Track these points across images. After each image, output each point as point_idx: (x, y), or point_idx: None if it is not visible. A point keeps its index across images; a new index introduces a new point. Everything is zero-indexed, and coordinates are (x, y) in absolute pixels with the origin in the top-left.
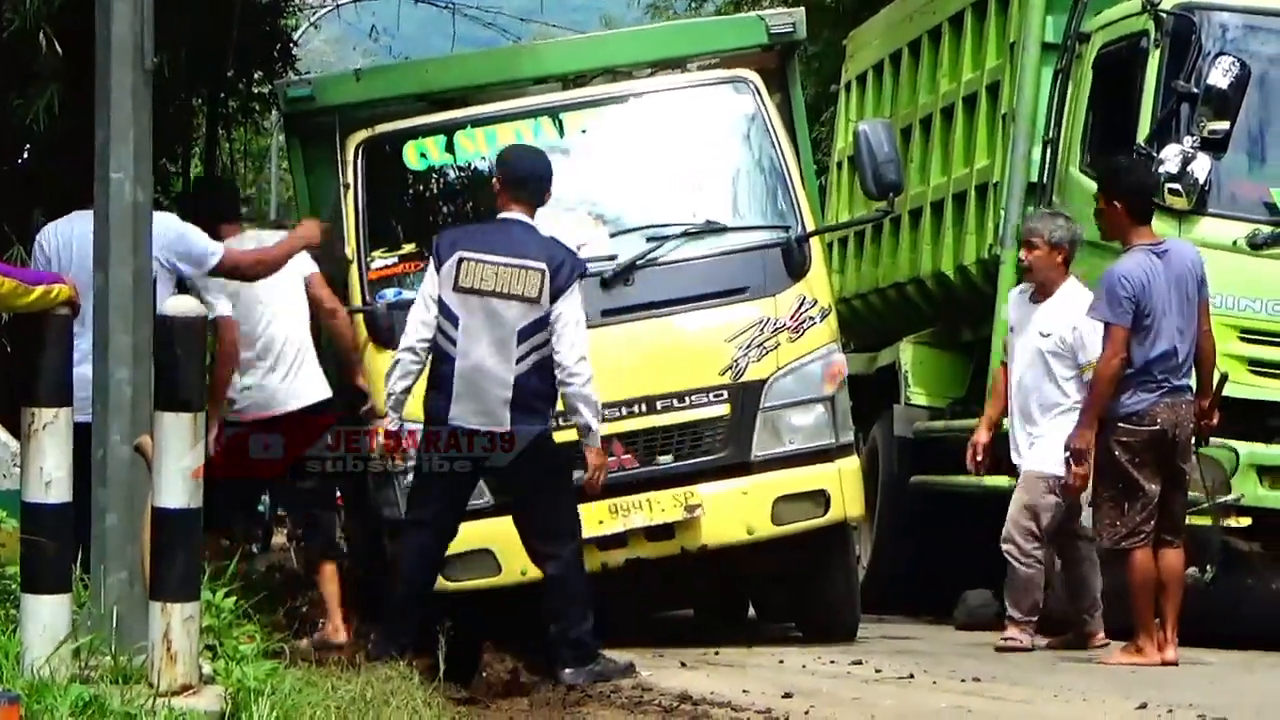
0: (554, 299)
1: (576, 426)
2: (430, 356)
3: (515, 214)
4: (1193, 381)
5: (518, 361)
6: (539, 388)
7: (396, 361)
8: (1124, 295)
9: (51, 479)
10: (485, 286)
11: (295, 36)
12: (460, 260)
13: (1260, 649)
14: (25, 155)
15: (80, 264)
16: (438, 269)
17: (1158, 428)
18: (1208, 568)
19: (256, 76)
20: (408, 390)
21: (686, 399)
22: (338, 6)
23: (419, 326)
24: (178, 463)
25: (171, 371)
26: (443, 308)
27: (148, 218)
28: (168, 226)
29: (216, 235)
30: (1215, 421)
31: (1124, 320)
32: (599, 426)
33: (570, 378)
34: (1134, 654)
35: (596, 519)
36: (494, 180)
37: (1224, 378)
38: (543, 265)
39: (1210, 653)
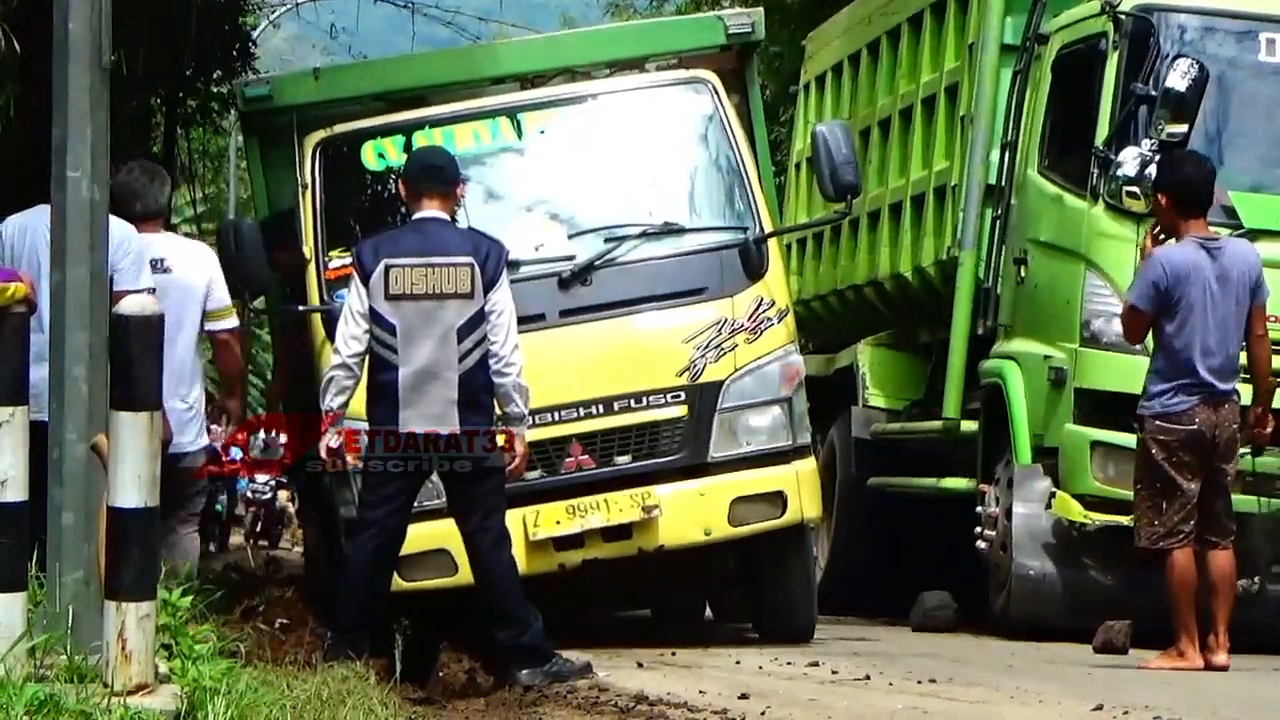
0: (487, 290)
1: (509, 415)
2: (366, 367)
3: (429, 211)
4: (1239, 385)
5: (461, 359)
6: (485, 381)
7: (330, 379)
8: (1152, 279)
9: (6, 478)
10: (418, 290)
11: (254, 35)
12: (388, 268)
13: (1247, 653)
14: None
15: (31, 258)
16: (365, 281)
17: (1195, 427)
18: (1255, 579)
19: (215, 76)
20: (345, 405)
21: (644, 399)
22: (297, 5)
23: (349, 341)
24: (133, 462)
25: (127, 370)
26: (377, 318)
27: (104, 215)
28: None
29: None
30: (1269, 430)
31: (1144, 306)
32: (528, 417)
33: (508, 368)
34: (1175, 658)
35: (554, 519)
36: (401, 184)
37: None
38: (470, 259)
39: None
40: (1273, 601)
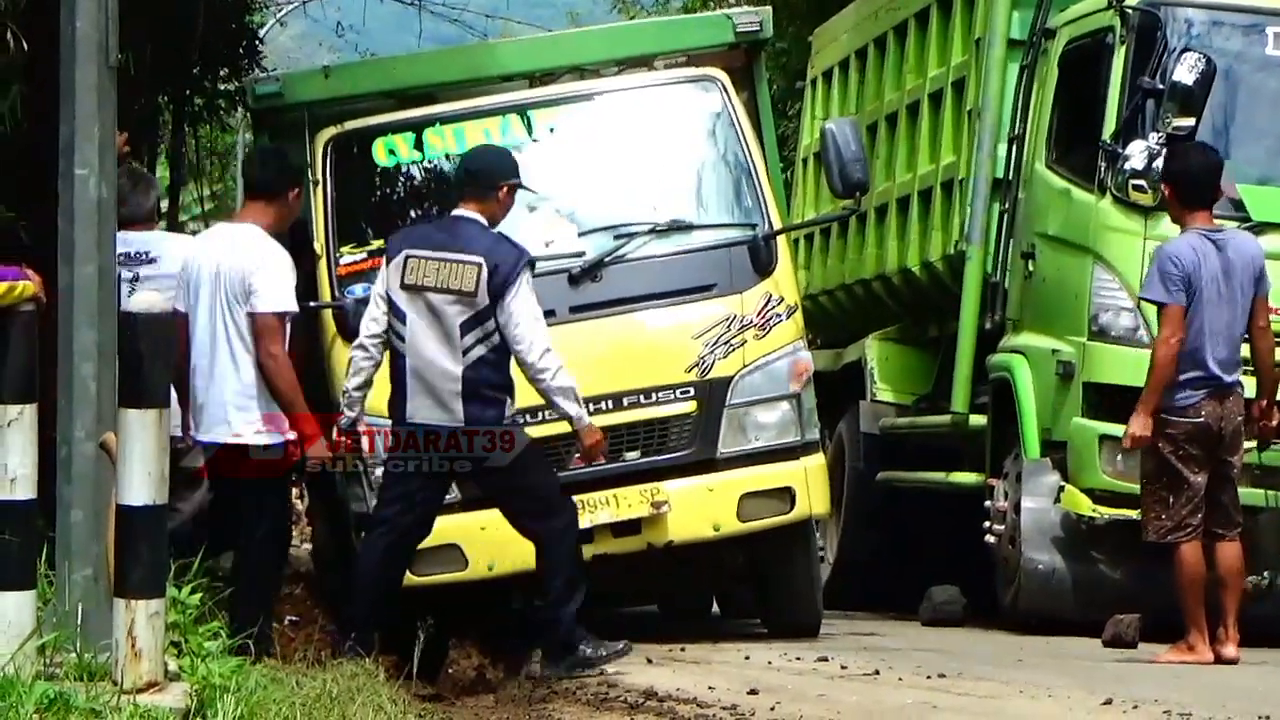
0: (497, 296)
1: (563, 417)
2: (387, 354)
3: (464, 210)
4: (1243, 377)
5: (464, 354)
6: (490, 378)
7: (350, 360)
8: (1175, 274)
9: (16, 476)
10: (427, 282)
11: (261, 33)
12: (407, 257)
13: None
14: None
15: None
16: (388, 266)
17: (1201, 420)
18: (1265, 574)
19: (222, 73)
20: (360, 388)
21: (653, 395)
22: (304, 3)
23: (369, 323)
24: (142, 460)
25: (136, 368)
26: (392, 305)
27: (112, 214)
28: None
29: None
30: (1275, 423)
31: (1178, 299)
32: (581, 410)
33: (539, 375)
34: (1185, 652)
35: None
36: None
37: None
38: (479, 259)
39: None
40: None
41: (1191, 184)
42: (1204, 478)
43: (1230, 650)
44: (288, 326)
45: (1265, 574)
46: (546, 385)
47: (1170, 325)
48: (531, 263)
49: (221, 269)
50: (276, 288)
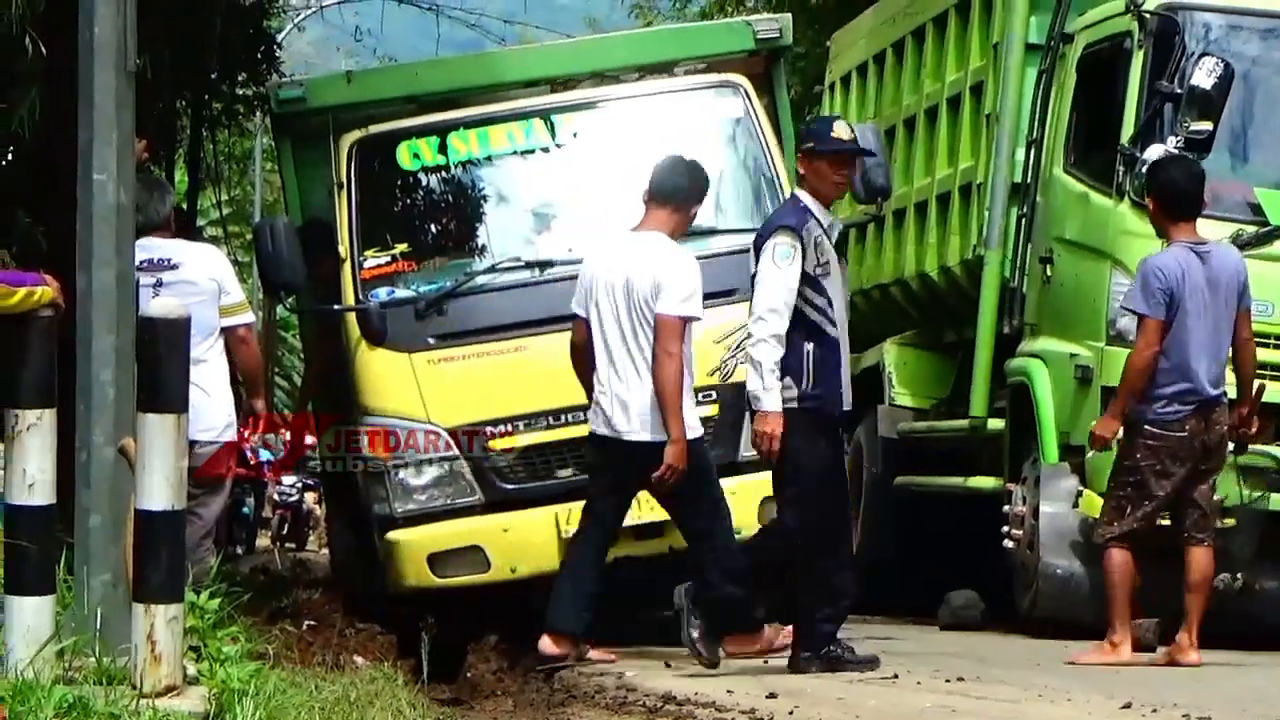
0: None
1: None
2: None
3: (798, 189)
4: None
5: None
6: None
7: None
8: (1158, 287)
9: (35, 481)
10: None
11: (279, 38)
12: None
13: (1246, 649)
14: (9, 157)
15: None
16: None
17: (1185, 434)
18: (1238, 575)
19: (241, 78)
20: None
21: None
22: (321, 8)
23: None
24: (161, 464)
25: (154, 373)
26: None
27: (130, 219)
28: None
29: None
30: (1254, 430)
31: (1158, 312)
32: (758, 388)
33: (749, 335)
34: (1109, 652)
35: None
36: None
37: (1261, 387)
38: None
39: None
40: (1267, 597)
41: (1176, 197)
42: (1169, 495)
43: (1193, 656)
44: (689, 331)
45: (1238, 575)
46: (749, 348)
47: (1146, 337)
48: (789, 228)
49: (631, 276)
50: (684, 292)
